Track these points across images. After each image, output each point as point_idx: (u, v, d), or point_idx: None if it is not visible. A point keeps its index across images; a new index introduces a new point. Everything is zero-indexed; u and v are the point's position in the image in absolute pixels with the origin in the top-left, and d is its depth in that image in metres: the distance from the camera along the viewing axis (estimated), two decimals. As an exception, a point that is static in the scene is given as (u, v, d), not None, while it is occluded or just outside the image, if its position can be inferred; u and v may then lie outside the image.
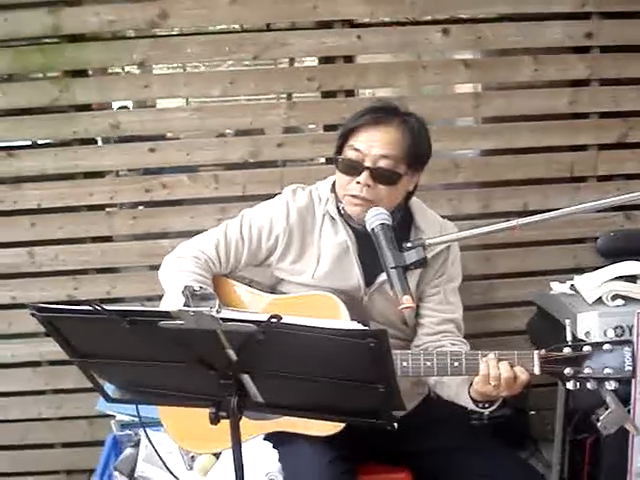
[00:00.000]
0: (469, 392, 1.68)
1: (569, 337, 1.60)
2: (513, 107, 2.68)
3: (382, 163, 1.73)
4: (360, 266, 1.84)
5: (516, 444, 2.69)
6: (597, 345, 1.57)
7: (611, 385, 1.55)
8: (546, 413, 2.75)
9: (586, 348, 1.57)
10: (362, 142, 1.74)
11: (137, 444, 2.34)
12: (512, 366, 1.58)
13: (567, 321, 1.62)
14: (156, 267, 1.97)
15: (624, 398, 1.90)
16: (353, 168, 1.75)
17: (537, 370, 1.60)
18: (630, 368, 1.54)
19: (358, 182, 1.74)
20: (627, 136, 2.71)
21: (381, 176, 1.74)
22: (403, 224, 1.85)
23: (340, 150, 1.80)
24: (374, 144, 1.73)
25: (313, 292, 1.82)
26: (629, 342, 1.56)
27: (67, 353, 1.34)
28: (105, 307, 1.21)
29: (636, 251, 2.48)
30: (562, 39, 2.63)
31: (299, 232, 1.87)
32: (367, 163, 1.73)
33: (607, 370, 1.55)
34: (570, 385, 1.58)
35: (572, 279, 2.33)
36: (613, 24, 2.62)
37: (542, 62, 2.65)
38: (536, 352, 1.61)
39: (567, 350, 1.58)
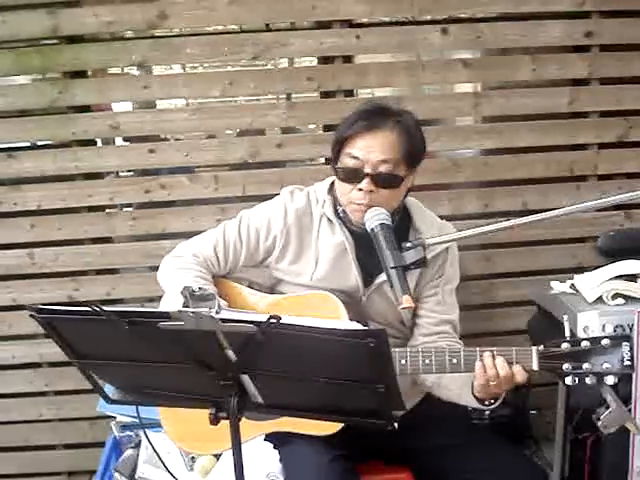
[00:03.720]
0: (473, 391, 1.67)
1: (567, 333, 1.59)
2: (513, 106, 2.68)
3: (382, 168, 1.71)
4: (358, 267, 1.84)
5: (517, 443, 2.68)
6: (595, 340, 1.56)
7: (610, 380, 1.55)
8: (547, 412, 2.74)
9: (584, 343, 1.57)
10: (359, 149, 1.71)
11: (138, 445, 2.34)
12: (510, 363, 1.58)
13: (565, 317, 1.61)
14: (156, 268, 1.96)
15: (625, 397, 1.90)
16: (353, 176, 1.73)
17: (535, 366, 1.59)
18: (629, 363, 1.54)
19: (360, 189, 1.71)
20: (627, 135, 2.71)
21: (383, 181, 1.71)
22: (402, 226, 1.84)
23: (337, 158, 1.78)
24: (372, 150, 1.70)
25: (312, 292, 1.82)
26: (628, 337, 1.57)
27: (67, 354, 1.34)
28: (104, 308, 1.21)
29: (636, 250, 2.47)
30: (562, 38, 2.63)
31: (296, 233, 1.86)
32: (367, 169, 1.71)
33: (606, 365, 1.54)
34: (569, 381, 1.57)
35: (572, 278, 2.32)
36: (613, 23, 2.62)
37: (542, 61, 2.64)
38: (534, 348, 1.60)
39: (565, 345, 1.58)
